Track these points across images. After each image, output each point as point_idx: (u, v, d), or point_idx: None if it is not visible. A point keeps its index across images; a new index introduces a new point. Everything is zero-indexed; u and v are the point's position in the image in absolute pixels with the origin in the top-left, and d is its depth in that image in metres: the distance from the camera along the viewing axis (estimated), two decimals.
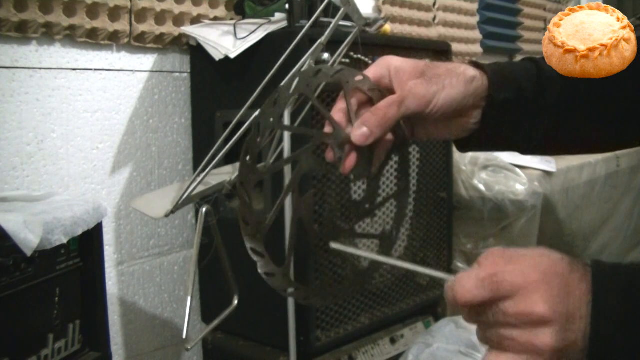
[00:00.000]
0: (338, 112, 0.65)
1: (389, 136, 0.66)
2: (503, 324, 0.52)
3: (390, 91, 0.65)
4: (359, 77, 0.65)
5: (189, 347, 0.97)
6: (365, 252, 0.62)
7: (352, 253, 0.61)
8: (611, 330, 0.50)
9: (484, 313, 0.53)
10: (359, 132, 0.61)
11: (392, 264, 0.63)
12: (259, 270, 0.58)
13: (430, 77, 0.65)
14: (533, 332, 0.51)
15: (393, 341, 1.60)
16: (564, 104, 0.69)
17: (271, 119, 0.58)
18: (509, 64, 0.72)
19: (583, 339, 0.51)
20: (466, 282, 0.52)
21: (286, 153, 1.11)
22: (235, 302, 1.07)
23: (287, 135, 1.12)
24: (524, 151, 0.76)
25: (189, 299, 0.90)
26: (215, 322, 1.05)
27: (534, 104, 0.69)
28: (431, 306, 1.73)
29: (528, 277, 0.51)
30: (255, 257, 0.58)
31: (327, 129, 0.64)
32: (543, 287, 0.51)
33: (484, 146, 0.73)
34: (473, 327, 0.57)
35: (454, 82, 0.65)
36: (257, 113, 0.62)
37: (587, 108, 0.70)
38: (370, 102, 0.66)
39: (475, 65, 0.68)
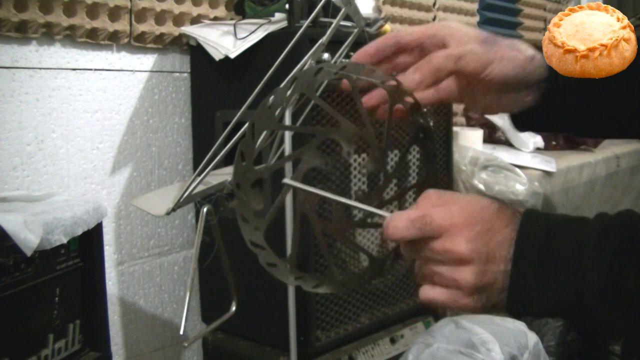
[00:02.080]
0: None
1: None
2: (432, 260, 0.57)
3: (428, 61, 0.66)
4: (369, 71, 0.64)
5: (186, 345, 0.97)
6: (317, 190, 0.61)
7: (305, 189, 0.61)
8: (528, 271, 0.54)
9: (417, 249, 0.58)
10: (411, 77, 0.64)
11: (342, 202, 0.62)
12: (261, 262, 0.58)
13: (491, 44, 0.66)
14: (456, 269, 0.56)
15: (393, 341, 1.60)
16: (625, 89, 0.70)
17: (267, 120, 0.58)
18: None
19: (503, 279, 0.55)
20: (398, 221, 0.57)
21: (287, 154, 1.11)
22: (234, 308, 1.08)
23: (288, 136, 1.11)
24: (581, 134, 0.77)
25: (187, 295, 0.89)
26: (213, 326, 1.05)
27: (595, 89, 0.69)
28: (431, 306, 1.73)
29: (455, 219, 0.56)
30: (255, 250, 0.58)
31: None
32: (467, 228, 0.56)
33: (542, 127, 0.76)
34: (473, 327, 0.59)
35: (513, 56, 0.66)
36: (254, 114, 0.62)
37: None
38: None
39: (535, 48, 0.69)
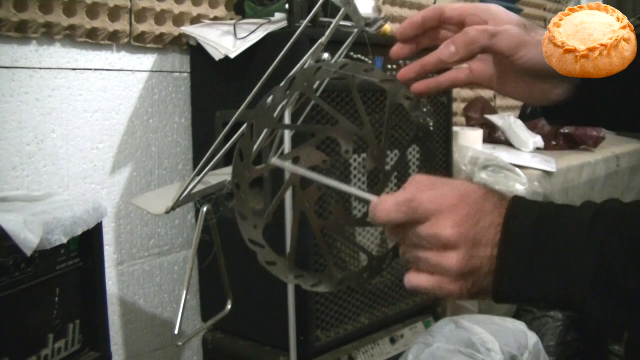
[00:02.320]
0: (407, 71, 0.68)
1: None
2: (418, 246, 0.56)
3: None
4: (368, 69, 0.64)
5: (180, 344, 0.97)
6: (303, 170, 0.61)
7: (291, 170, 0.61)
8: (515, 255, 0.54)
9: (404, 234, 0.57)
10: (447, 50, 0.64)
11: (329, 185, 0.62)
12: (260, 260, 0.58)
13: (528, 30, 0.66)
14: (442, 254, 0.55)
15: (393, 341, 1.60)
16: None
17: (266, 120, 0.58)
18: None
19: (490, 264, 0.55)
20: (385, 205, 0.56)
21: (287, 153, 1.11)
22: (229, 307, 1.08)
23: (287, 135, 1.11)
24: (612, 128, 0.77)
25: (184, 295, 0.89)
26: (208, 324, 1.05)
27: (630, 84, 0.69)
28: (431, 306, 1.73)
29: (441, 204, 0.55)
30: (254, 248, 0.58)
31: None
32: (453, 213, 0.55)
33: (574, 120, 0.77)
34: (473, 327, 0.59)
35: None
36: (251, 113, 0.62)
37: None
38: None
39: None
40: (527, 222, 0.54)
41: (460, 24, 0.69)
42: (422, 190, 0.57)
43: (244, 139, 0.58)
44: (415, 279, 0.58)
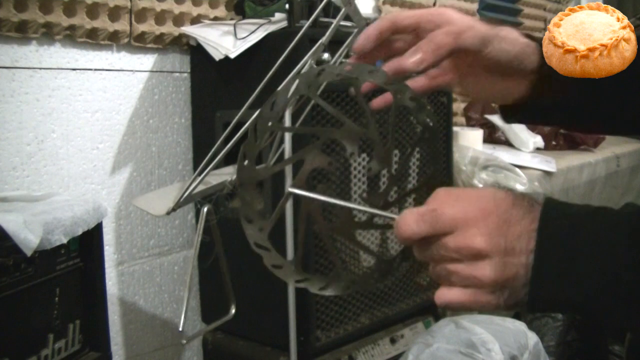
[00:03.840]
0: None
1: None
2: (447, 259, 0.54)
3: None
4: (370, 71, 0.63)
5: (185, 342, 0.97)
6: (321, 196, 0.60)
7: (309, 197, 0.60)
8: (552, 262, 0.51)
9: (430, 248, 0.54)
10: (413, 59, 0.62)
11: (349, 207, 0.61)
12: (266, 263, 0.58)
13: (489, 24, 0.65)
14: (473, 265, 0.53)
15: (393, 341, 1.60)
16: (620, 83, 0.69)
17: (269, 123, 0.58)
18: None
19: (525, 272, 0.52)
20: (408, 218, 0.54)
21: (287, 154, 1.11)
22: (233, 311, 1.08)
23: (287, 136, 1.12)
24: (569, 127, 0.76)
25: (186, 293, 0.90)
26: (211, 326, 1.05)
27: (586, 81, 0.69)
28: (431, 306, 1.73)
29: (467, 213, 0.53)
30: (260, 252, 0.57)
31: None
32: (481, 221, 0.53)
33: (530, 118, 0.74)
34: (473, 327, 0.58)
35: (512, 38, 0.66)
36: (254, 116, 0.62)
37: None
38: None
39: (529, 36, 0.68)
40: (561, 227, 0.52)
41: (415, 32, 0.67)
42: (445, 201, 0.55)
43: (248, 141, 0.58)
44: (447, 295, 0.55)
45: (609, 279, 0.49)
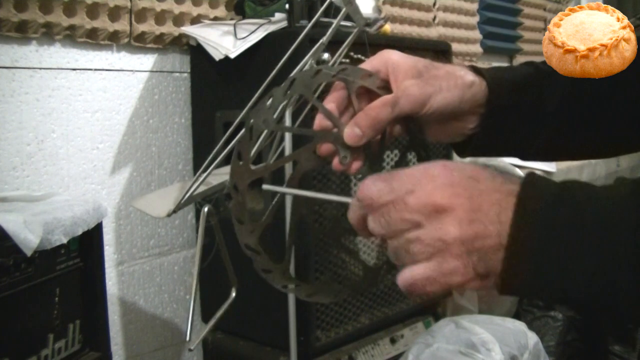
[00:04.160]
0: (329, 103, 0.63)
1: (397, 130, 0.65)
2: (406, 225, 0.50)
3: (388, 87, 0.65)
4: (365, 75, 0.64)
5: (192, 348, 0.97)
6: (290, 189, 0.61)
7: (280, 191, 0.61)
8: (534, 231, 0.46)
9: (389, 214, 0.50)
10: (351, 133, 0.61)
11: (313, 198, 0.62)
12: (255, 267, 0.58)
13: (427, 78, 0.63)
14: (434, 225, 0.48)
15: (393, 341, 1.60)
16: (565, 109, 0.69)
17: (263, 120, 0.58)
18: (509, 69, 0.71)
19: (497, 231, 0.47)
20: (367, 180, 0.52)
21: (287, 154, 1.11)
22: (234, 294, 1.06)
23: (288, 136, 1.12)
24: (524, 157, 0.76)
25: (192, 300, 0.89)
26: (217, 315, 1.04)
27: (534, 110, 0.69)
28: (431, 306, 1.73)
29: (428, 169, 0.51)
30: (250, 254, 0.57)
31: (318, 124, 0.62)
32: (441, 178, 0.49)
33: (483, 151, 0.72)
34: (473, 327, 0.57)
35: (452, 85, 0.64)
36: (243, 112, 0.62)
37: (588, 113, 0.69)
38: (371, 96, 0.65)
39: (475, 70, 0.67)
40: (549, 190, 0.47)
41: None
42: (407, 168, 0.52)
43: (242, 140, 0.58)
44: (409, 272, 0.50)
45: (606, 250, 0.45)
